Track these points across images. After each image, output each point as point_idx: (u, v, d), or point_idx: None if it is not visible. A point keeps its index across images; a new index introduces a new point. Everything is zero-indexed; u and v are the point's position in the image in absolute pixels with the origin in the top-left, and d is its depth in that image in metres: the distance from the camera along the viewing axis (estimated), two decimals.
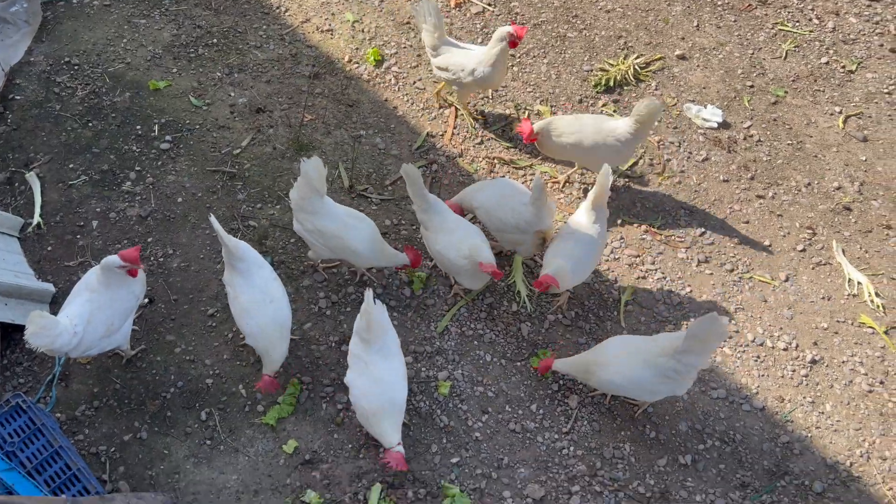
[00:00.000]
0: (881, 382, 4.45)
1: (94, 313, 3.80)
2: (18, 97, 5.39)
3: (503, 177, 5.17)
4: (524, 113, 5.52)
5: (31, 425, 3.82)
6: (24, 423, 3.83)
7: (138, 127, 5.30)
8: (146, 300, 4.53)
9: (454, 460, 4.12)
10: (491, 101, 5.59)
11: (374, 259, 4.36)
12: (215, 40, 5.79)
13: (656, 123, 5.50)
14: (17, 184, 5.00)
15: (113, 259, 3.77)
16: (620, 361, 3.93)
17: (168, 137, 5.25)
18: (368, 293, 3.76)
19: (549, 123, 4.80)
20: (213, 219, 3.86)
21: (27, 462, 3.73)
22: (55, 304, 4.47)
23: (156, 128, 5.30)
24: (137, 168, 5.11)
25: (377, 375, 3.80)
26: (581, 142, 4.71)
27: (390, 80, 5.67)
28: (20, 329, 3.80)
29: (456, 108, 5.51)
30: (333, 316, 4.58)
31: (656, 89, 5.68)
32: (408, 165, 4.19)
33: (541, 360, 4.31)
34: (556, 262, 4.20)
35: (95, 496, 3.57)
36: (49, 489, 3.68)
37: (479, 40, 5.85)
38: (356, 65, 5.74)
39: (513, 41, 4.78)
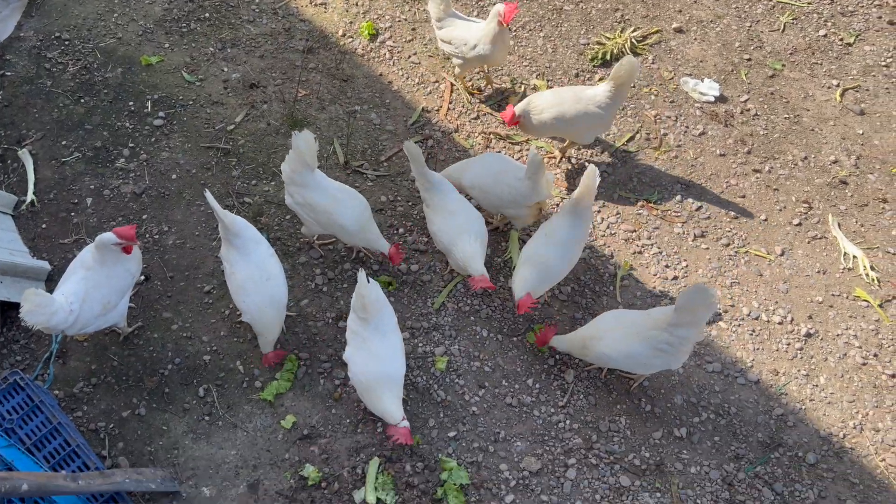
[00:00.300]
0: (875, 355, 4.48)
1: (89, 291, 3.80)
2: (9, 73, 5.33)
3: (498, 152, 5.15)
4: (520, 87, 5.48)
5: (29, 402, 3.84)
6: (22, 401, 3.84)
7: (131, 103, 5.25)
8: (142, 277, 4.52)
9: (451, 434, 4.16)
10: (487, 74, 5.54)
11: (361, 238, 4.34)
12: (207, 14, 5.72)
13: (653, 97, 5.47)
14: (9, 161, 4.96)
15: (108, 236, 3.75)
16: (614, 336, 3.95)
17: (161, 113, 5.21)
18: (361, 273, 3.75)
19: (528, 103, 4.74)
20: (208, 194, 3.83)
21: (26, 439, 3.75)
22: (51, 282, 4.46)
23: (149, 104, 5.25)
24: (131, 145, 5.07)
25: (375, 351, 3.81)
26: (563, 114, 4.66)
27: (385, 54, 5.62)
28: (16, 307, 3.79)
29: (451, 83, 5.47)
30: (330, 292, 4.58)
31: (653, 63, 5.64)
32: (409, 143, 4.16)
33: (538, 333, 4.33)
34: (527, 275, 4.14)
35: (95, 472, 3.60)
36: (49, 465, 3.70)
37: (475, 13, 5.79)
38: (350, 39, 5.68)
39: (501, 20, 4.73)
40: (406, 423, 3.78)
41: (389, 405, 3.79)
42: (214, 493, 3.95)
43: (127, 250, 3.85)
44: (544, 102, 4.69)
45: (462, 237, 4.20)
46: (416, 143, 5.16)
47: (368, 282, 3.76)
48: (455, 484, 3.97)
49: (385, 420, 3.85)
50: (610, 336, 3.96)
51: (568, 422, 4.22)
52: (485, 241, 4.29)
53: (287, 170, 4.16)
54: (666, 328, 3.79)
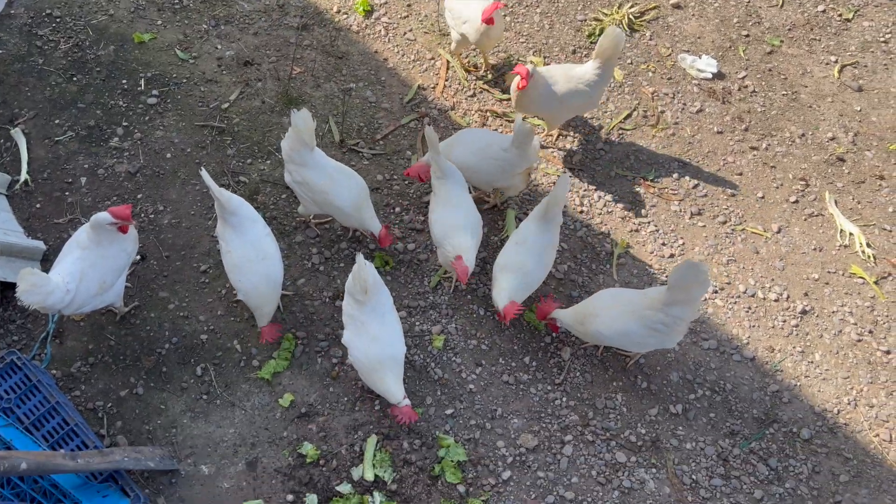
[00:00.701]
0: (870, 332, 4.51)
1: (85, 271, 3.78)
2: (0, 51, 5.27)
3: (488, 128, 5.11)
4: (517, 63, 5.43)
5: (26, 382, 3.84)
6: (19, 380, 3.84)
7: (124, 81, 5.20)
8: (138, 257, 4.51)
9: (448, 412, 4.17)
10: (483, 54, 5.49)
11: (356, 219, 4.32)
12: None
13: (650, 74, 5.43)
14: (2, 140, 4.92)
15: (103, 216, 3.73)
16: (610, 314, 3.95)
17: (155, 92, 5.16)
18: (360, 257, 3.72)
19: (535, 69, 4.64)
20: (204, 173, 3.81)
21: (24, 418, 3.76)
22: (46, 262, 4.45)
23: (142, 82, 5.20)
24: (125, 123, 5.03)
25: (374, 334, 3.82)
26: (555, 92, 4.60)
27: (380, 30, 5.56)
28: (12, 287, 3.78)
29: (447, 60, 5.42)
30: (327, 271, 4.58)
31: (651, 39, 5.60)
32: (430, 129, 4.10)
33: (539, 305, 4.27)
34: (506, 285, 4.04)
35: (94, 450, 3.61)
36: (47, 444, 3.71)
37: None
38: (345, 15, 5.62)
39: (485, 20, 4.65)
40: (407, 402, 3.81)
41: (391, 385, 3.81)
42: (213, 470, 3.98)
43: (123, 230, 3.83)
44: (546, 74, 4.63)
45: (457, 232, 4.14)
46: (410, 121, 5.15)
47: (367, 264, 3.74)
48: (452, 460, 3.99)
49: (387, 399, 3.86)
50: (606, 314, 3.96)
51: (564, 399, 4.24)
52: (479, 240, 4.23)
53: (286, 147, 4.14)
54: (661, 308, 3.79)
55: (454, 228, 4.15)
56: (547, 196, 4.06)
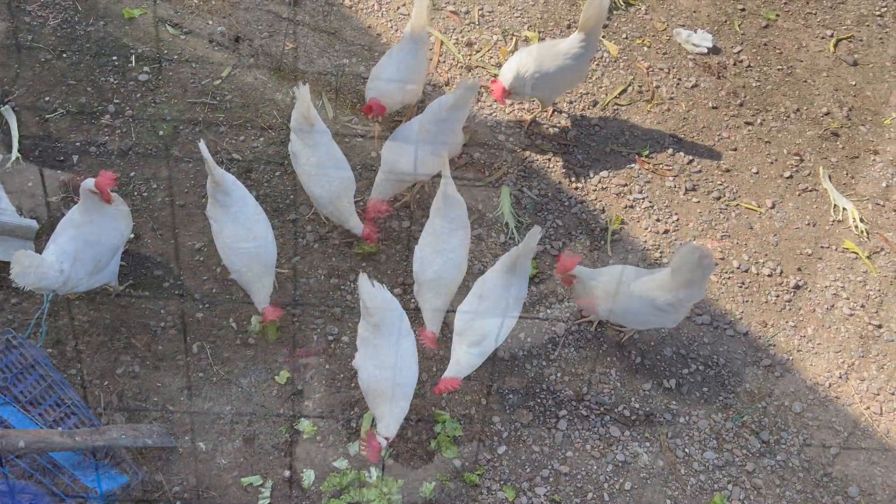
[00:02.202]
0: (862, 306, 4.54)
1: (79, 250, 3.77)
2: None
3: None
4: (512, 38, 5.39)
5: (22, 361, 3.84)
6: (15, 359, 3.84)
7: (114, 58, 5.14)
8: (132, 235, 4.49)
9: None
10: (478, 27, 5.45)
11: (330, 212, 4.30)
12: None
13: (646, 49, 5.40)
14: None
15: (87, 182, 3.67)
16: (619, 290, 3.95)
17: (146, 68, 5.10)
18: (363, 278, 3.57)
19: (516, 69, 4.47)
20: (202, 145, 3.79)
21: (21, 397, 3.76)
22: (39, 241, 4.43)
23: (133, 58, 5.14)
24: (116, 101, 4.98)
25: (385, 361, 3.68)
26: (547, 73, 4.54)
27: (373, 5, 5.50)
28: (6, 265, 3.77)
29: (440, 38, 5.37)
30: (321, 249, 4.58)
31: (646, 13, 5.56)
32: (445, 156, 3.97)
33: (560, 258, 4.05)
34: (462, 364, 3.85)
35: (91, 428, 3.63)
36: (45, 422, 3.72)
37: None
38: None
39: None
40: (386, 442, 3.64)
41: (388, 418, 3.65)
42: (210, 447, 4.00)
43: (105, 198, 3.76)
44: (529, 61, 4.56)
45: (432, 286, 4.00)
46: None
47: (374, 286, 3.62)
48: (448, 436, 4.03)
49: (377, 424, 3.73)
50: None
51: (559, 374, 4.27)
52: (452, 295, 4.10)
53: (293, 116, 4.17)
54: (670, 290, 3.79)
55: (431, 280, 4.00)
56: (516, 247, 3.88)
